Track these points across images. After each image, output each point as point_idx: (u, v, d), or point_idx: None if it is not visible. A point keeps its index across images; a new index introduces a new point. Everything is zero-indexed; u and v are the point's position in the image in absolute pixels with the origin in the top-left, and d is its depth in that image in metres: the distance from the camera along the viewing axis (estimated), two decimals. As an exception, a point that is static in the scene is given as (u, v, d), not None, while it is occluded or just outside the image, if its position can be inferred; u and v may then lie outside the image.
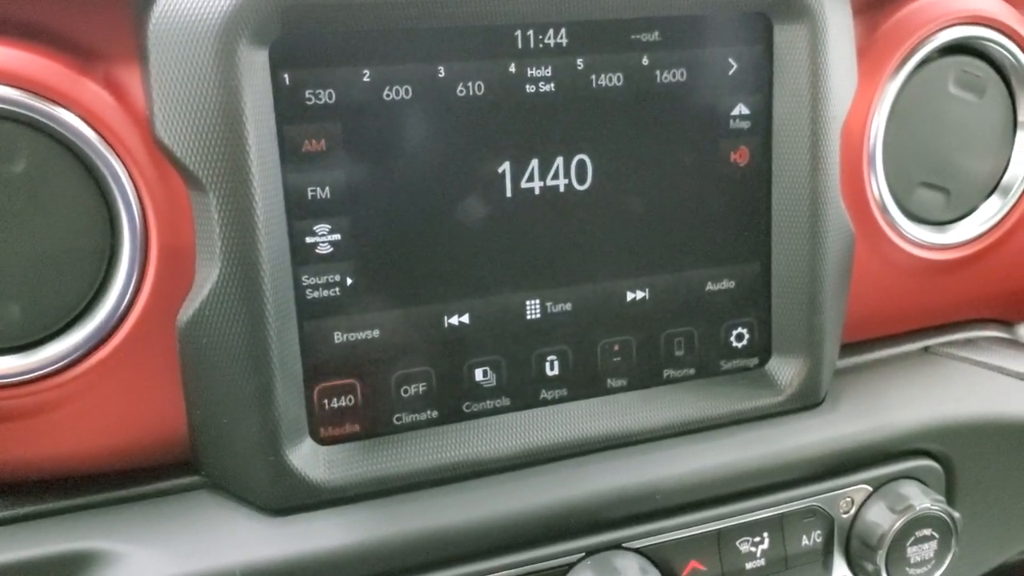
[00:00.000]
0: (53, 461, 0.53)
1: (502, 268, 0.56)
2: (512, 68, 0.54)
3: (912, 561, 0.62)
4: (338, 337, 0.54)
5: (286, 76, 0.50)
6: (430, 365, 0.56)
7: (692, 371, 0.62)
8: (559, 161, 0.56)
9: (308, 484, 0.52)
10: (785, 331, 0.63)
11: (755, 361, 0.64)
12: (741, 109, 0.60)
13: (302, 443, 0.53)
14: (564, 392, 0.60)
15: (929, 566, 0.62)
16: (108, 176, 0.49)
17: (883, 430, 0.64)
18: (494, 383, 0.58)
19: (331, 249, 0.53)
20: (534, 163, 0.56)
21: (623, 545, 0.57)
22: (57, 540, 0.50)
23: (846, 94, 0.60)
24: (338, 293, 0.53)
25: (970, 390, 0.68)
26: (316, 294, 0.53)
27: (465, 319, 0.56)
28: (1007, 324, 0.77)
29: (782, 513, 0.61)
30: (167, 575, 0.50)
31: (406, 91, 0.52)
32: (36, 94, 0.47)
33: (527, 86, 0.55)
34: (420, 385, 0.56)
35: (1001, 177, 0.70)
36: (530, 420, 0.58)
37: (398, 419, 0.56)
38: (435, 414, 0.57)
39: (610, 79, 0.56)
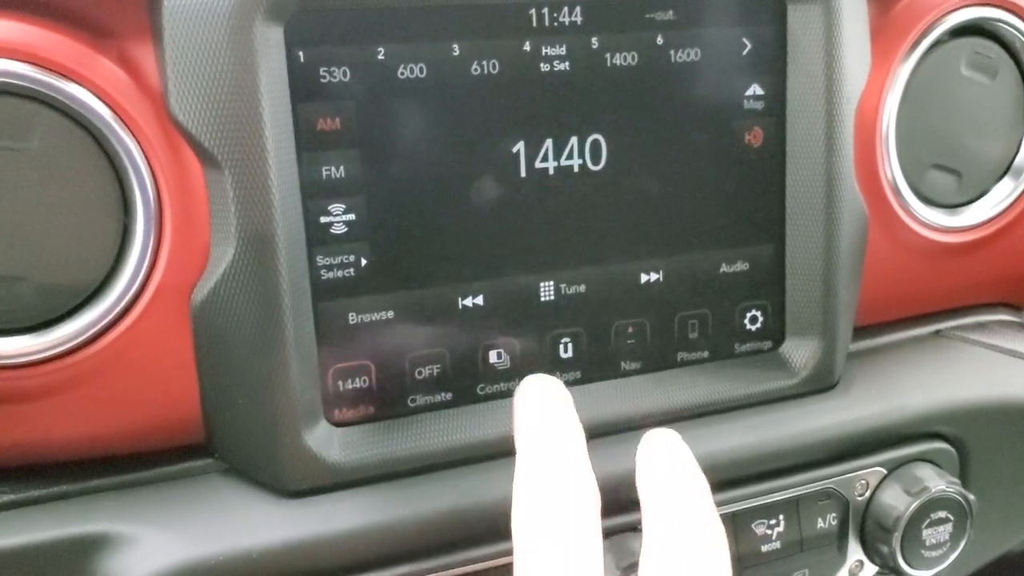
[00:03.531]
0: (66, 443, 0.52)
1: (517, 249, 0.56)
2: (527, 46, 0.54)
3: (928, 544, 0.62)
4: (353, 318, 0.53)
5: (301, 54, 0.50)
6: (444, 347, 0.56)
7: (706, 354, 0.62)
8: (574, 141, 0.56)
9: (323, 466, 0.52)
10: (799, 313, 0.62)
11: (769, 344, 0.63)
12: (755, 90, 0.59)
13: (317, 425, 0.53)
14: (578, 375, 0.59)
15: (944, 548, 0.62)
16: (122, 153, 0.48)
17: (897, 413, 0.64)
18: (508, 365, 0.58)
19: (346, 229, 0.52)
20: (548, 143, 0.55)
21: (639, 528, 0.57)
22: (69, 523, 0.50)
23: (860, 75, 0.60)
24: (353, 274, 0.53)
25: (982, 373, 0.68)
26: (331, 275, 0.52)
27: (480, 300, 0.56)
28: (1018, 308, 0.76)
29: (797, 496, 0.61)
30: (180, 558, 0.49)
31: (420, 69, 0.52)
32: (49, 70, 0.46)
33: (541, 64, 0.54)
34: (434, 367, 0.56)
35: (1013, 159, 0.69)
36: (544, 402, 0.58)
37: (412, 401, 0.56)
38: (449, 396, 0.57)
39: (624, 58, 0.56)
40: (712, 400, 0.61)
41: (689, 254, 0.60)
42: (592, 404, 0.58)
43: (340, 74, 0.51)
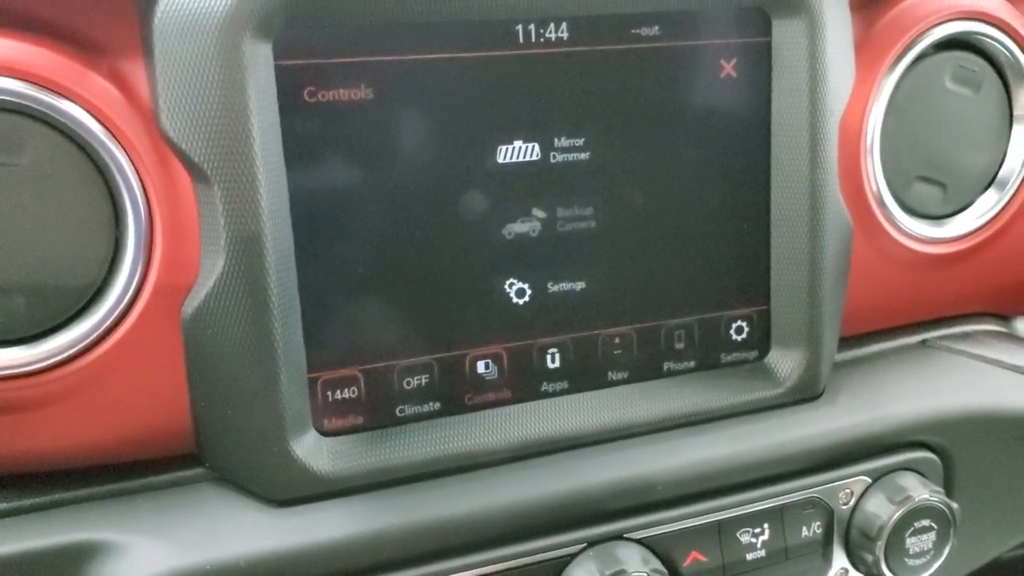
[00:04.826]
0: (58, 453, 0.53)
1: (504, 260, 0.57)
2: (514, 63, 0.54)
3: (911, 552, 0.62)
4: (342, 329, 0.54)
5: (289, 69, 0.50)
6: (433, 357, 0.57)
7: (692, 364, 0.63)
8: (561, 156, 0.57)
9: (312, 475, 0.53)
10: (784, 324, 0.63)
11: (755, 354, 0.64)
12: (740, 103, 0.60)
13: (306, 434, 0.53)
14: (565, 385, 0.60)
15: (928, 557, 0.63)
16: (113, 169, 0.49)
17: (881, 422, 0.64)
18: (496, 375, 0.58)
19: (335, 241, 0.53)
20: (536, 155, 0.56)
21: (625, 536, 0.57)
22: (61, 531, 0.50)
23: (844, 88, 0.61)
24: (342, 285, 0.54)
25: (967, 383, 0.69)
26: (320, 286, 0.53)
27: (468, 312, 0.57)
28: (1003, 318, 0.77)
29: (782, 504, 0.61)
30: (171, 566, 0.50)
31: (407, 83, 0.53)
32: (42, 87, 0.47)
33: (528, 82, 0.55)
34: (422, 377, 0.57)
35: (997, 171, 0.70)
36: (531, 412, 0.59)
37: (400, 411, 0.56)
38: (437, 406, 0.57)
39: (609, 73, 0.57)
40: (698, 410, 0.61)
41: (675, 266, 0.61)
42: (579, 414, 0.59)
43: (328, 90, 0.51)
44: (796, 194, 0.61)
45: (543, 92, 0.56)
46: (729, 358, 0.64)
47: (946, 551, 0.63)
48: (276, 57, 0.50)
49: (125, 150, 0.49)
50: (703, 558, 0.59)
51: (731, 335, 0.63)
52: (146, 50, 0.49)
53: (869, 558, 0.62)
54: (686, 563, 0.59)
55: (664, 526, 0.58)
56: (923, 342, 0.73)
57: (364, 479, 0.54)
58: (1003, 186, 0.70)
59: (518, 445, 0.57)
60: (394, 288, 0.55)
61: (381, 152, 0.53)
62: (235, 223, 0.49)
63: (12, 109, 0.47)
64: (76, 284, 0.50)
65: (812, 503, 0.62)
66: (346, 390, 0.55)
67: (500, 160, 0.55)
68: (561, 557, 0.56)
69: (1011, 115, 0.69)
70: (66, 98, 0.48)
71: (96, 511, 0.52)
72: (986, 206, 0.70)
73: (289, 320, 0.52)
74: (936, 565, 0.63)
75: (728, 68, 0.59)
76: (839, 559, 0.64)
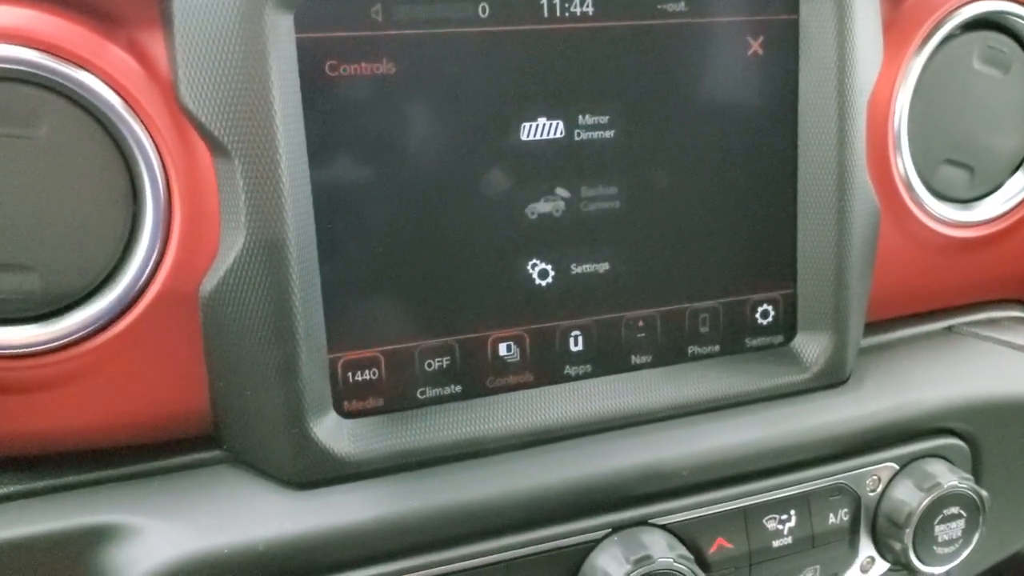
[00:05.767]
0: (72, 434, 0.52)
1: (527, 240, 0.56)
2: (541, 37, 0.53)
3: (940, 540, 0.61)
4: (363, 309, 0.53)
5: (310, 42, 0.49)
6: (454, 339, 0.56)
7: (717, 348, 0.62)
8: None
9: (332, 457, 0.52)
10: (811, 308, 0.62)
11: (780, 338, 0.63)
12: (767, 81, 0.59)
13: (326, 416, 0.52)
14: (588, 368, 0.59)
15: (957, 545, 0.62)
16: (131, 142, 0.48)
17: (908, 408, 0.63)
18: (518, 358, 0.57)
19: (357, 218, 0.52)
20: (559, 132, 0.55)
21: (650, 521, 0.56)
22: (76, 513, 0.49)
23: (872, 68, 0.60)
24: (364, 263, 0.53)
25: (994, 369, 0.68)
26: (342, 264, 0.52)
27: (490, 293, 0.56)
28: (1030, 305, 0.76)
29: (808, 491, 0.60)
30: (188, 549, 0.49)
31: (429, 58, 0.52)
32: (59, 57, 0.46)
33: (556, 55, 0.54)
34: (444, 359, 0.56)
35: (1026, 155, 0.69)
36: (554, 396, 0.58)
37: (422, 393, 0.55)
38: (458, 389, 0.56)
39: (636, 50, 0.55)
40: (723, 394, 0.60)
41: (700, 248, 0.60)
42: (602, 398, 0.58)
43: (350, 61, 0.50)
44: (823, 175, 0.60)
45: (567, 68, 0.55)
46: (754, 342, 0.63)
47: (975, 539, 0.62)
48: (297, 30, 0.49)
49: (143, 123, 0.48)
50: (729, 544, 0.58)
51: (757, 319, 0.62)
52: (165, 20, 0.48)
53: (897, 546, 0.61)
54: (712, 549, 0.58)
55: (689, 512, 0.57)
56: (949, 328, 0.72)
57: (385, 462, 0.53)
58: (1032, 169, 0.69)
59: (540, 429, 0.56)
60: (415, 268, 0.54)
61: (402, 128, 0.52)
62: (256, 198, 0.48)
63: (28, 80, 0.46)
64: (92, 261, 0.49)
65: (839, 489, 0.61)
66: (367, 371, 0.54)
67: (523, 137, 0.54)
68: (586, 542, 0.55)
69: (1041, 96, 0.68)
70: (83, 69, 0.47)
71: (112, 493, 0.51)
72: (1015, 189, 0.69)
73: (309, 299, 0.51)
74: (965, 553, 0.62)
75: (755, 46, 0.58)
76: (866, 547, 0.63)
